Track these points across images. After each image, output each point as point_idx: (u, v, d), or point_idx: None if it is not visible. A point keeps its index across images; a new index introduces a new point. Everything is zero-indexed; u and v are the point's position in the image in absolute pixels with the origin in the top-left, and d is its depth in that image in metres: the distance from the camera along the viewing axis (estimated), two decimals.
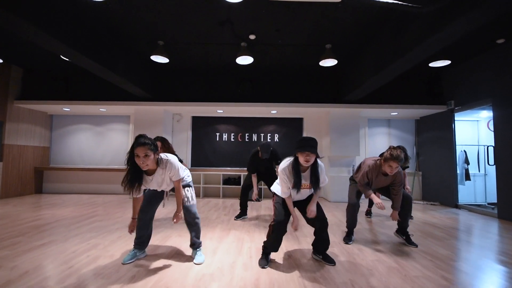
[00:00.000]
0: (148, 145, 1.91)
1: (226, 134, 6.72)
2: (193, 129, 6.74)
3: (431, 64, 4.41)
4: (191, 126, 6.72)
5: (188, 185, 2.39)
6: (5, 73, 5.50)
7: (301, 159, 2.08)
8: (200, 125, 6.74)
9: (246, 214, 4.05)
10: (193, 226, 2.34)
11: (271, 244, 2.27)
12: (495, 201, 5.86)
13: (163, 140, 3.05)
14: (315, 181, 2.16)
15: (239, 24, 3.80)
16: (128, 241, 2.81)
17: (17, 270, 2.09)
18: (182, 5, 3.35)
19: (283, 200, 2.29)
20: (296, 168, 2.13)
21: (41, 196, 5.92)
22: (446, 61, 4.28)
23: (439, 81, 5.72)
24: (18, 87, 5.77)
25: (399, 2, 2.42)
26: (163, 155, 2.12)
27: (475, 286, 1.94)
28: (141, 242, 2.34)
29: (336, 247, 2.72)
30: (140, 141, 1.91)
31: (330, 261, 2.28)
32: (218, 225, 3.59)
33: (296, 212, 2.32)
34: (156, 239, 2.89)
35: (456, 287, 1.91)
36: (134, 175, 1.99)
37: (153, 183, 2.12)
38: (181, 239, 2.90)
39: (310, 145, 2.05)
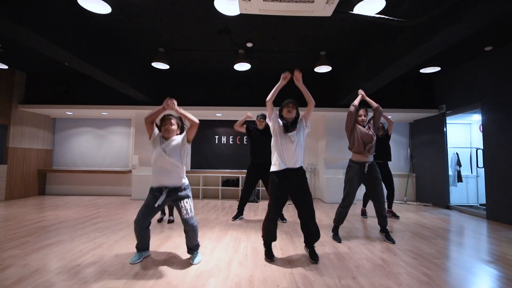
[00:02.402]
0: (175, 118, 2.60)
1: (225, 137, 6.88)
2: None
3: (422, 70, 4.58)
4: None
5: (187, 196, 2.44)
6: (10, 78, 5.67)
7: (285, 113, 2.56)
8: (200, 128, 6.84)
9: (242, 214, 4.21)
10: (192, 235, 2.41)
11: (268, 230, 2.50)
12: None
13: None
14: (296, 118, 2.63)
15: (236, 33, 3.97)
16: (131, 241, 2.97)
17: (28, 268, 2.24)
18: (182, 15, 3.52)
19: (278, 193, 2.46)
20: (284, 121, 2.57)
21: (44, 198, 6.07)
22: (436, 67, 4.46)
23: (431, 86, 5.90)
24: (22, 92, 5.93)
25: (385, 17, 2.59)
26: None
27: (452, 282, 2.11)
28: (143, 247, 2.49)
29: (327, 246, 2.88)
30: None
31: (314, 259, 2.44)
32: (216, 225, 3.75)
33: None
34: (158, 239, 3.05)
35: (434, 283, 2.08)
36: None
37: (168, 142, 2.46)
38: (181, 239, 3.06)
39: (291, 100, 2.62)
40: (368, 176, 3.10)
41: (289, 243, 2.99)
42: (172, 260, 2.45)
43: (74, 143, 6.88)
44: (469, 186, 6.27)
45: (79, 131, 6.91)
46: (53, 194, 6.69)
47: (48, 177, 6.75)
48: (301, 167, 2.54)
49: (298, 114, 2.61)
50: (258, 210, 4.99)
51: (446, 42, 2.78)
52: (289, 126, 2.50)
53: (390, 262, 2.45)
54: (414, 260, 2.53)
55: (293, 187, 2.49)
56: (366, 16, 2.53)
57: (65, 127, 6.91)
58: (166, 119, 2.52)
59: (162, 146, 2.42)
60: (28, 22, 2.83)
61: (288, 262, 2.43)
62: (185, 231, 2.43)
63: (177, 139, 2.51)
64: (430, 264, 2.45)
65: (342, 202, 3.16)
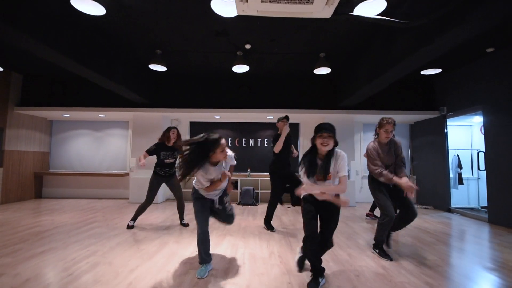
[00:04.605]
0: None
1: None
2: (191, 134, 6.84)
3: (423, 72, 4.53)
4: (189, 131, 6.82)
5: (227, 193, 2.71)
6: (5, 80, 5.60)
7: (318, 143, 2.06)
8: (198, 130, 6.83)
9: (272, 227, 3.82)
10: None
11: (310, 255, 2.16)
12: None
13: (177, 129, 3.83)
14: (325, 169, 2.04)
15: (234, 35, 3.91)
16: (126, 248, 2.90)
17: (19, 278, 2.18)
18: (180, 16, 3.45)
19: (310, 211, 2.10)
20: (310, 155, 2.11)
21: (40, 201, 6.00)
22: (437, 69, 4.40)
23: (432, 88, 5.84)
24: (18, 94, 5.87)
25: (386, 18, 2.53)
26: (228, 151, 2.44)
27: None
28: (206, 256, 2.37)
29: (326, 254, 2.80)
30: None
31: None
32: (213, 231, 3.67)
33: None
34: (153, 246, 2.98)
35: None
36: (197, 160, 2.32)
37: (214, 172, 2.43)
38: (178, 246, 3.00)
39: (326, 128, 2.04)
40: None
41: (288, 250, 2.93)
42: (167, 268, 2.38)
43: (71, 145, 6.81)
44: (470, 189, 6.20)
45: (76, 133, 6.84)
46: (50, 197, 6.61)
47: (45, 180, 6.67)
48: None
49: (336, 143, 2.10)
50: (257, 214, 4.92)
51: (448, 45, 2.72)
52: (313, 169, 2.05)
53: (391, 270, 2.39)
54: (416, 268, 2.46)
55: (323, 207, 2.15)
56: (367, 17, 2.47)
57: (62, 130, 6.84)
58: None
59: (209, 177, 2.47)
60: (20, 23, 2.77)
61: (287, 271, 2.37)
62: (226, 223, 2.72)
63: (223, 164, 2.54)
64: (433, 272, 2.38)
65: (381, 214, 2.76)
